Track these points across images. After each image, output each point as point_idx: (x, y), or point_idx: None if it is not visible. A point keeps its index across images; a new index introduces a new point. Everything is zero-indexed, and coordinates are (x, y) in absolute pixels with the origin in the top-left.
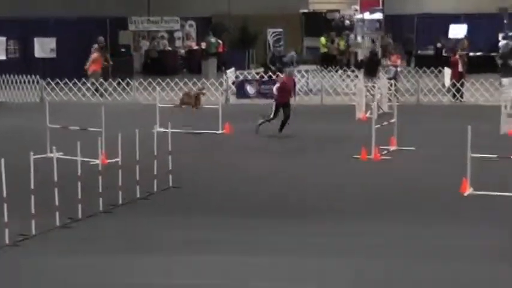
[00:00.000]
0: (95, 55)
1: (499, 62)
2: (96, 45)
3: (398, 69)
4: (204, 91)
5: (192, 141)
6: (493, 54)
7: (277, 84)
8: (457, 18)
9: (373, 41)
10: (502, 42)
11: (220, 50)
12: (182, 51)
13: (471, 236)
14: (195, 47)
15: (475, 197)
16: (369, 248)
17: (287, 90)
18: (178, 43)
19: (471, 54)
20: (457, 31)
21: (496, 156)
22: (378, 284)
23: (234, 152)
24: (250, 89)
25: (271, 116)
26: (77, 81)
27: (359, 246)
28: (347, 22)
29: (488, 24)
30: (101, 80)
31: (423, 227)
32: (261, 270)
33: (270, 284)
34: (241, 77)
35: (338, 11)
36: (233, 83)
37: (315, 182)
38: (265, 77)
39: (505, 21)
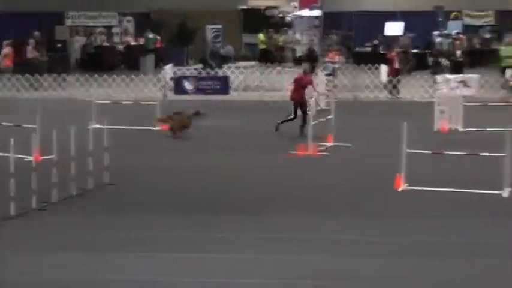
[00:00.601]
0: (5, 50)
1: (431, 59)
2: (7, 41)
3: (336, 65)
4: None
5: (129, 138)
6: (428, 51)
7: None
8: (393, 16)
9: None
10: (437, 40)
11: (158, 45)
12: (120, 47)
13: (404, 231)
14: (133, 43)
15: (409, 192)
16: (305, 242)
17: (300, 87)
18: (116, 39)
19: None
20: (394, 28)
21: (430, 152)
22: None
23: (172, 149)
24: (188, 85)
25: (292, 115)
26: (11, 76)
27: (296, 241)
28: (286, 19)
29: (424, 22)
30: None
31: (358, 221)
32: (197, 266)
33: (206, 280)
34: (179, 73)
35: (277, 7)
36: (171, 79)
37: (253, 178)
38: (204, 73)
39: (440, 19)
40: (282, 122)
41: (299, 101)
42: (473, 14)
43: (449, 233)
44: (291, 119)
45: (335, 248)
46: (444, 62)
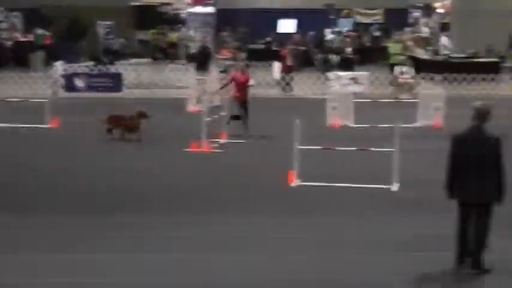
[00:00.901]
0: None
1: (319, 56)
2: None
3: (229, 62)
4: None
5: (17, 136)
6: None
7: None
8: (286, 14)
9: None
10: (329, 37)
11: (48, 42)
12: (8, 43)
13: (296, 226)
14: (22, 39)
15: (302, 188)
16: (188, 239)
17: (243, 87)
18: (4, 35)
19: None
20: (287, 26)
21: (322, 147)
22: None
23: (62, 148)
24: (79, 82)
25: (236, 113)
26: None
27: (178, 239)
28: (180, 16)
29: (316, 19)
30: None
31: (248, 218)
32: (93, 266)
33: (96, 280)
34: (70, 70)
35: (170, 4)
36: (62, 76)
37: (146, 176)
38: (96, 70)
39: (332, 17)
40: (229, 119)
41: (244, 101)
42: (364, 12)
43: (339, 227)
44: (236, 118)
45: (220, 246)
46: (334, 58)
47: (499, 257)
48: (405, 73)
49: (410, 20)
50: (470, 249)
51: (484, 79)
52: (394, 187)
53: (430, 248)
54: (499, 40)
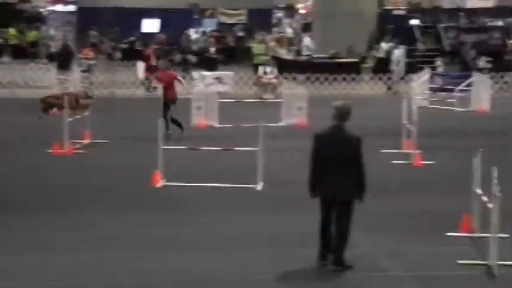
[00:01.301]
0: None
1: (178, 57)
2: None
3: (92, 62)
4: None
5: None
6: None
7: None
8: (150, 13)
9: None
10: (193, 37)
11: None
12: None
13: (159, 225)
14: None
15: (167, 188)
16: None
17: (171, 85)
18: None
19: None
20: (151, 25)
21: (186, 147)
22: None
23: None
24: None
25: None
26: None
27: (53, 240)
28: (40, 14)
29: (181, 19)
30: None
31: (116, 217)
32: None
33: None
34: None
35: (29, 1)
36: None
37: (8, 178)
38: None
39: (196, 17)
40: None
41: (174, 100)
42: (228, 12)
43: (203, 226)
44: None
45: (83, 246)
46: (192, 59)
47: (360, 253)
48: (269, 73)
49: (274, 21)
50: (333, 246)
51: (345, 79)
52: (259, 186)
53: (294, 245)
54: (360, 41)
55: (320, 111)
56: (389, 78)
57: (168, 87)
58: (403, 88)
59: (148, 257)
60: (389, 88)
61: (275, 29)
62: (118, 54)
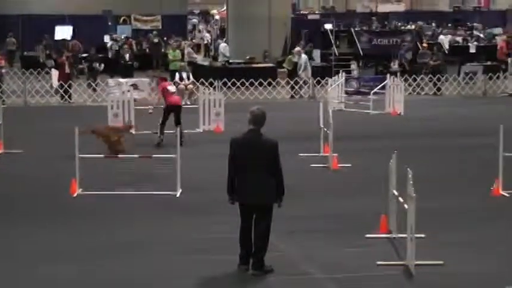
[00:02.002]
0: None
1: (86, 65)
2: None
3: (3, 70)
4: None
5: None
6: (100, 55)
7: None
8: (62, 20)
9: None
10: (108, 44)
11: None
12: None
13: (73, 234)
14: None
15: (84, 197)
16: None
17: (172, 93)
18: None
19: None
20: (63, 32)
21: (103, 155)
22: None
23: None
24: None
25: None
26: None
27: None
28: None
29: (94, 25)
30: None
31: (36, 228)
32: None
33: None
34: None
35: None
36: None
37: None
38: None
39: (110, 23)
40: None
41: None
42: (142, 19)
43: (121, 233)
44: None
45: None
46: (97, 66)
47: (280, 256)
48: (185, 79)
49: (189, 27)
50: (253, 250)
51: (261, 84)
52: (178, 193)
53: (214, 250)
54: (275, 45)
55: (237, 116)
56: (295, 83)
57: (171, 95)
58: (319, 92)
59: (62, 268)
60: (293, 95)
61: (191, 35)
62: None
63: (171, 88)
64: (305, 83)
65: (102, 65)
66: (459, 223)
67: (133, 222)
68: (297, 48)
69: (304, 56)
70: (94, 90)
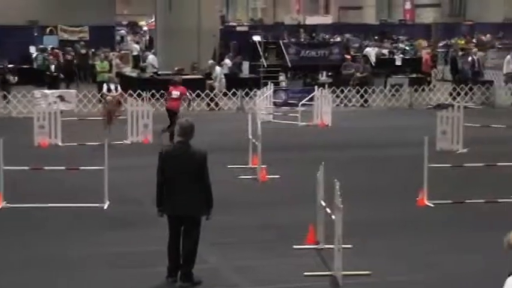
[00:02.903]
0: None
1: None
2: None
3: None
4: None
5: None
6: (25, 66)
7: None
8: None
9: None
10: (34, 55)
11: None
12: None
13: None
14: None
15: (8, 210)
16: None
17: (172, 98)
18: None
19: None
20: None
21: (29, 167)
22: None
23: None
24: None
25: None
26: None
27: None
28: None
29: (20, 36)
30: None
31: None
32: None
33: None
34: None
35: None
36: None
37: None
38: None
39: (36, 34)
40: (162, 131)
41: (171, 111)
42: (69, 29)
43: (47, 246)
44: (167, 128)
45: None
46: (11, 79)
47: (209, 268)
48: (113, 90)
49: (117, 38)
50: (181, 262)
51: (190, 95)
52: (105, 205)
53: (142, 263)
54: (204, 57)
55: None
56: (214, 95)
57: (178, 100)
58: (248, 104)
59: None
60: (213, 105)
61: (119, 46)
62: None
63: (174, 93)
64: (215, 95)
65: (16, 78)
66: (386, 233)
67: (59, 235)
68: (210, 61)
69: (218, 68)
70: (7, 102)
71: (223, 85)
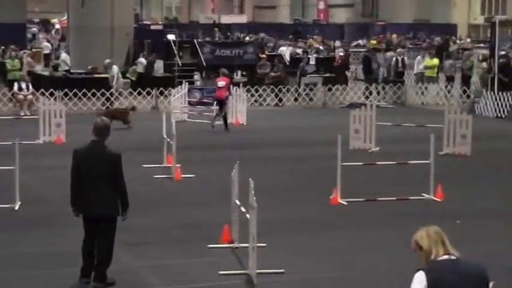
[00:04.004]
0: None
1: None
2: None
3: None
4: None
5: None
6: None
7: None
8: None
9: None
10: None
11: None
12: None
13: None
14: None
15: None
16: None
17: (219, 88)
18: None
19: None
20: None
21: None
22: None
23: None
24: None
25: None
26: None
27: None
28: None
29: None
30: None
31: None
32: None
33: None
34: None
35: None
36: None
37: None
38: None
39: None
40: (215, 117)
41: (219, 100)
42: None
43: None
44: (216, 116)
45: None
46: None
47: (124, 268)
48: (24, 89)
49: (29, 35)
50: (95, 262)
51: (103, 94)
52: (16, 205)
53: (55, 264)
54: (118, 56)
55: (78, 127)
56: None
57: (223, 88)
58: (162, 103)
59: None
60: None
61: (30, 44)
62: None
63: (220, 83)
64: (120, 94)
65: None
66: (300, 232)
67: None
68: (107, 60)
69: (115, 68)
70: None
71: (121, 84)
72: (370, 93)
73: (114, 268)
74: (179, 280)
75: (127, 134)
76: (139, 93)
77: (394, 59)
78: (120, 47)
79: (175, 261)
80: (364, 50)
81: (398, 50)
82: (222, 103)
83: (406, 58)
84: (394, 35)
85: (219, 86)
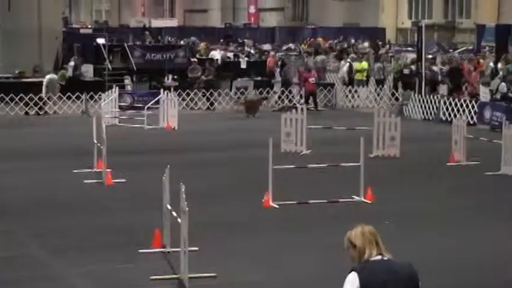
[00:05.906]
0: None
1: None
2: None
3: None
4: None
5: None
6: None
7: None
8: None
9: None
10: None
11: None
12: None
13: None
14: None
15: None
16: None
17: (309, 83)
18: None
19: None
20: None
21: None
22: None
23: None
24: None
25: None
26: None
27: None
28: None
29: None
30: None
31: None
32: None
33: None
34: None
35: None
36: None
37: None
38: None
39: None
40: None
41: (310, 92)
42: None
43: None
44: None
45: None
46: None
47: (53, 274)
48: None
49: None
50: None
51: (31, 99)
52: None
53: None
54: (47, 59)
55: (8, 132)
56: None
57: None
58: (92, 108)
59: None
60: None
61: None
62: None
63: (311, 80)
64: (49, 98)
65: None
66: (231, 235)
67: None
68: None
69: (47, 76)
70: None
71: (44, 90)
72: (301, 96)
73: (41, 274)
74: (109, 285)
75: (58, 139)
76: (68, 98)
77: (347, 64)
78: (48, 50)
79: (105, 267)
80: (295, 53)
81: (351, 56)
82: (312, 94)
83: (332, 62)
84: (320, 39)
85: (310, 81)
